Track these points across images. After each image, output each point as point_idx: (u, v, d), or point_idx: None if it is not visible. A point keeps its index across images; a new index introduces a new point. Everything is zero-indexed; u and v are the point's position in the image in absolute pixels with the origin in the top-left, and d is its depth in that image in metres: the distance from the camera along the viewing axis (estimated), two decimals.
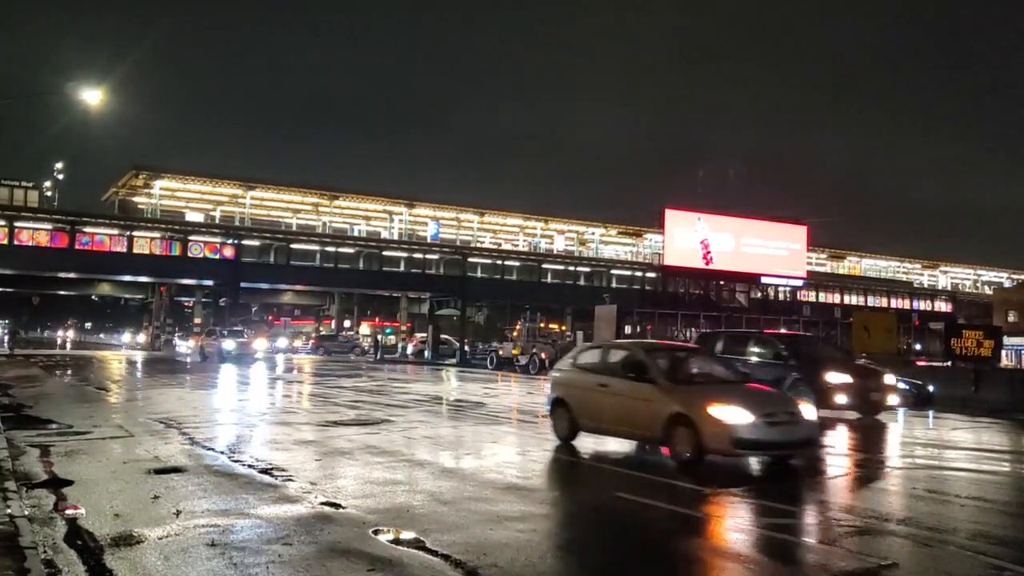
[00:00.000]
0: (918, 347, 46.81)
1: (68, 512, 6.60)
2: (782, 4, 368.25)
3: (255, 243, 54.51)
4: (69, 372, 28.77)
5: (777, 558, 5.88)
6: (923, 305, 79.04)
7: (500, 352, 39.10)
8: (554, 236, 67.14)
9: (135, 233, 49.63)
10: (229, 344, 37.00)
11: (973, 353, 40.68)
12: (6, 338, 45.79)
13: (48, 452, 9.61)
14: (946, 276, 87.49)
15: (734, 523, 7.05)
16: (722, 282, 63.24)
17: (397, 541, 5.92)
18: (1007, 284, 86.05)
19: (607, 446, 10.97)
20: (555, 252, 66.13)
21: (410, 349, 52.09)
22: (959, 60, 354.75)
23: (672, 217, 59.73)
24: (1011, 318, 67.57)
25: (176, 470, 8.58)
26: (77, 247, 47.92)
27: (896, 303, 77.19)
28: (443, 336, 51.52)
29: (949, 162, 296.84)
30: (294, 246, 55.50)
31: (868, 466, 10.81)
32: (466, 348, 47.69)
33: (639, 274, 66.41)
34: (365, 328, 66.18)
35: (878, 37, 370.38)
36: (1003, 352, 49.85)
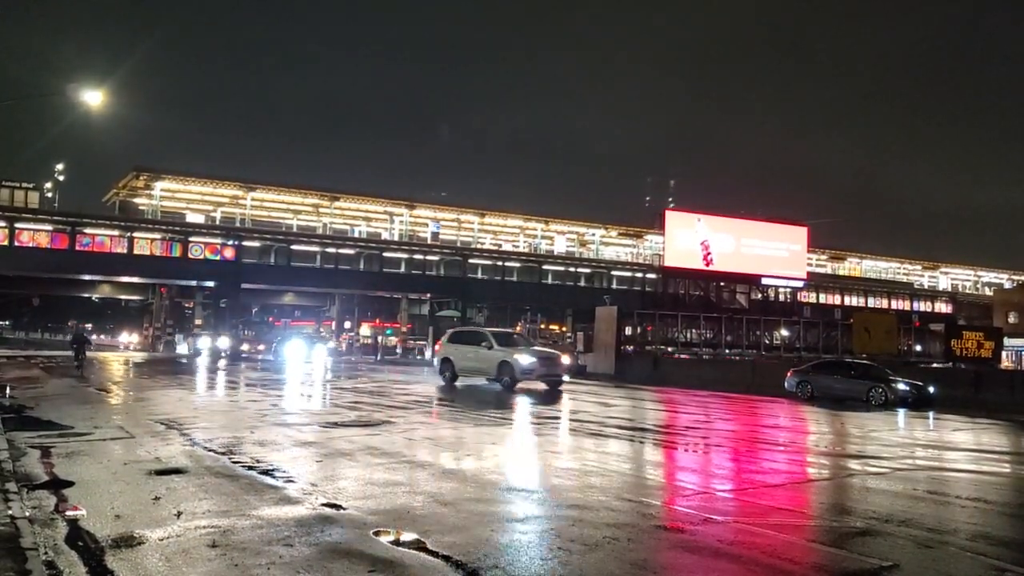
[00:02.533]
0: (919, 348, 46.88)
1: (69, 513, 6.60)
2: (788, 9, 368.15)
3: (255, 244, 54.52)
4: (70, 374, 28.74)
5: (777, 558, 5.88)
6: (923, 306, 79.05)
7: None
8: (555, 237, 67.17)
9: (136, 234, 49.65)
10: (525, 359, 22.47)
11: (974, 354, 40.87)
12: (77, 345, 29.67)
13: (49, 453, 9.61)
14: (946, 277, 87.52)
15: (733, 524, 7.04)
16: (722, 283, 63.39)
17: (398, 542, 5.93)
18: (1007, 285, 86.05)
19: (608, 447, 10.95)
20: (556, 253, 66.16)
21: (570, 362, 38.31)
22: (961, 62, 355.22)
23: (672, 218, 59.93)
24: (1011, 319, 67.61)
25: (177, 471, 8.57)
26: (78, 248, 47.96)
27: (896, 304, 77.22)
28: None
29: (950, 163, 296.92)
30: (295, 247, 55.51)
31: (869, 467, 10.81)
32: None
33: (640, 275, 66.41)
34: (366, 329, 66.23)
35: (882, 40, 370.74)
36: (1003, 353, 50.03)
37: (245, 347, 54.39)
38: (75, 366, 28.48)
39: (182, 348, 56.03)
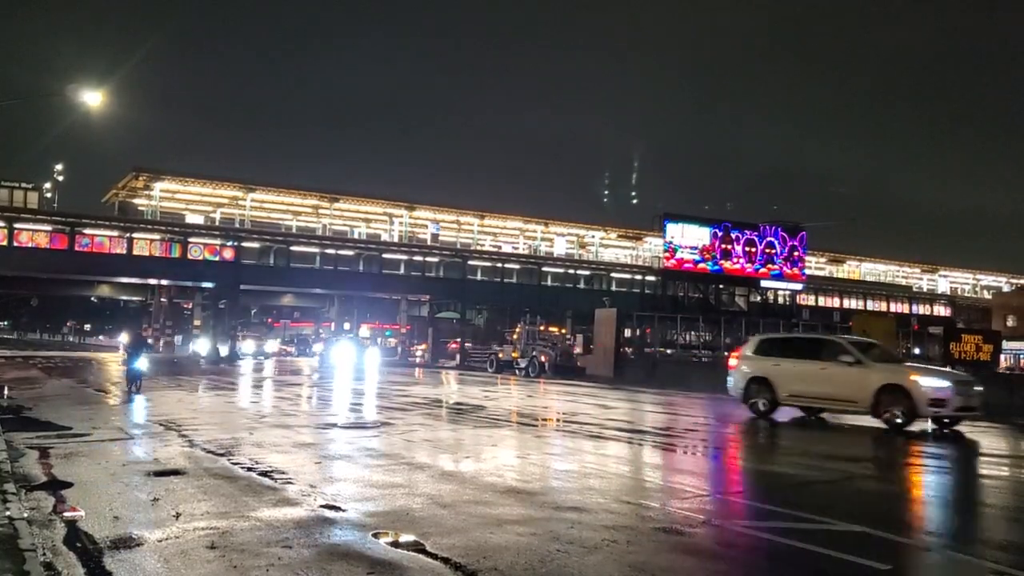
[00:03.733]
0: (917, 351, 46.87)
1: (67, 514, 6.59)
2: (793, 12, 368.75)
3: (255, 245, 54.53)
4: (69, 374, 28.73)
5: (775, 561, 5.88)
6: (922, 309, 79.12)
7: (500, 355, 39.09)
8: (554, 239, 67.22)
9: (135, 235, 49.65)
10: (935, 383, 15.18)
11: (972, 357, 40.68)
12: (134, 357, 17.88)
13: (47, 454, 9.61)
14: (945, 280, 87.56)
15: (729, 529, 7.03)
16: (721, 286, 63.39)
17: (397, 544, 5.92)
18: (1006, 288, 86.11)
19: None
20: (555, 255, 66.19)
21: None
22: (963, 66, 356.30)
23: (672, 221, 59.98)
24: (1010, 322, 67.65)
25: (175, 472, 8.57)
26: (77, 248, 47.94)
27: (895, 307, 77.34)
28: None
29: (949, 167, 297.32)
30: (294, 248, 55.49)
31: (867, 470, 10.80)
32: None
33: (639, 277, 66.44)
34: (365, 331, 66.24)
35: (885, 44, 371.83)
36: (1002, 356, 49.92)
37: (275, 347, 53.27)
38: (129, 388, 18.66)
39: (217, 350, 53.46)
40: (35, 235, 47.45)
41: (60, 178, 55.00)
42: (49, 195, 53.63)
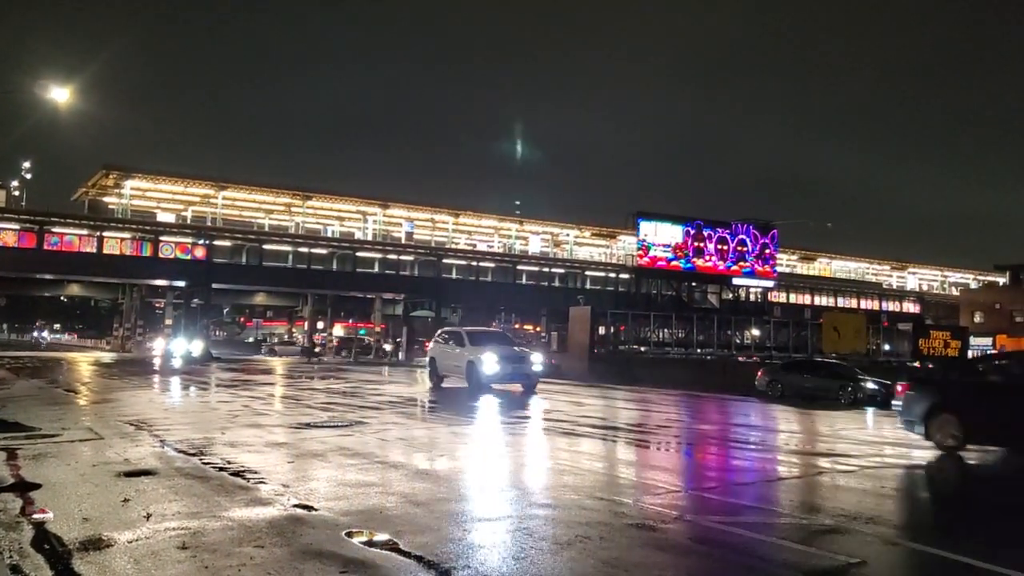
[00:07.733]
0: (887, 347, 47.56)
1: (35, 516, 6.50)
2: (780, 21, 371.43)
3: (227, 244, 54.07)
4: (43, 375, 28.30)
5: (747, 555, 5.94)
6: (892, 306, 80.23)
7: None
8: (529, 237, 67.32)
9: (105, 233, 49.05)
10: None
11: (941, 353, 41.41)
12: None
13: (15, 455, 9.46)
14: (914, 277, 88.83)
15: (704, 522, 7.10)
16: (694, 283, 63.79)
17: (370, 543, 5.91)
18: (973, 285, 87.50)
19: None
20: (530, 253, 66.29)
21: None
22: (942, 73, 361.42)
23: (645, 219, 60.25)
24: (977, 319, 68.70)
25: (146, 473, 8.48)
26: (46, 247, 47.26)
27: (866, 304, 78.33)
28: None
29: (923, 167, 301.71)
30: (266, 247, 55.10)
31: (838, 465, 10.94)
32: None
33: (613, 275, 66.74)
34: (339, 330, 65.90)
35: (871, 49, 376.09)
36: (970, 352, 50.74)
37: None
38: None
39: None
40: (3, 234, 46.68)
41: (28, 176, 54.20)
42: (17, 193, 52.81)
